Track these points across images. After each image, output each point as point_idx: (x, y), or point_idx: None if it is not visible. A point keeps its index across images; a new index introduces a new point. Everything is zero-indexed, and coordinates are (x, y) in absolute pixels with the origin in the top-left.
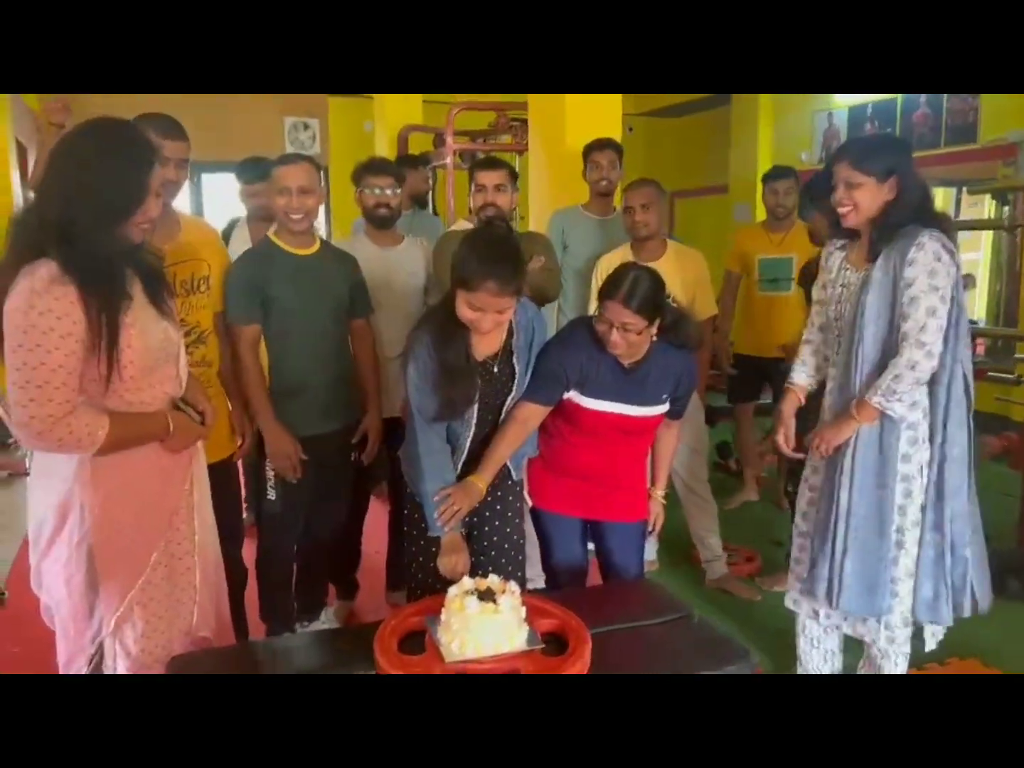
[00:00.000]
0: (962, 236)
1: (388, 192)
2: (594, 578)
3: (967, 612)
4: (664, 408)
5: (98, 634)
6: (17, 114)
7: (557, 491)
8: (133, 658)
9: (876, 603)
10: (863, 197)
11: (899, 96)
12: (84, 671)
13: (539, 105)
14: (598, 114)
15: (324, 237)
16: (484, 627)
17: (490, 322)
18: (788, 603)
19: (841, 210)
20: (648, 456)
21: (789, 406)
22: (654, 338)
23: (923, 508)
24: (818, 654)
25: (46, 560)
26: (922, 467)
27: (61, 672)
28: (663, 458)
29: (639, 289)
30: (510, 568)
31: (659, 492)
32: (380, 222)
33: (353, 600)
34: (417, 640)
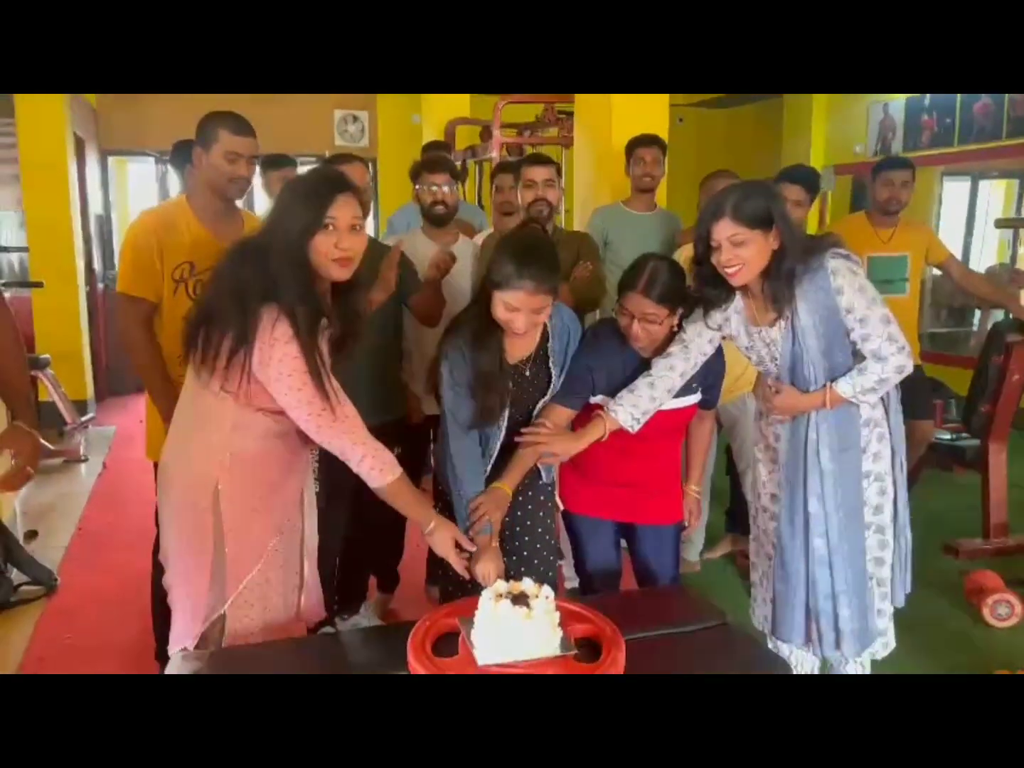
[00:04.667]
0: None
1: (446, 189)
2: (627, 580)
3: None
4: (696, 398)
5: (212, 612)
6: (75, 108)
7: (589, 495)
8: (238, 636)
9: (872, 634)
10: (752, 252)
11: None
12: (192, 646)
13: (585, 101)
14: (645, 111)
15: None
16: (517, 631)
17: (525, 322)
18: (755, 623)
19: (729, 270)
20: (681, 454)
21: (586, 438)
22: (675, 328)
23: (895, 502)
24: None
25: (175, 534)
26: (891, 461)
27: (171, 646)
28: (697, 452)
29: (659, 279)
30: (542, 569)
31: (694, 488)
32: (437, 219)
33: (392, 593)
34: (451, 641)
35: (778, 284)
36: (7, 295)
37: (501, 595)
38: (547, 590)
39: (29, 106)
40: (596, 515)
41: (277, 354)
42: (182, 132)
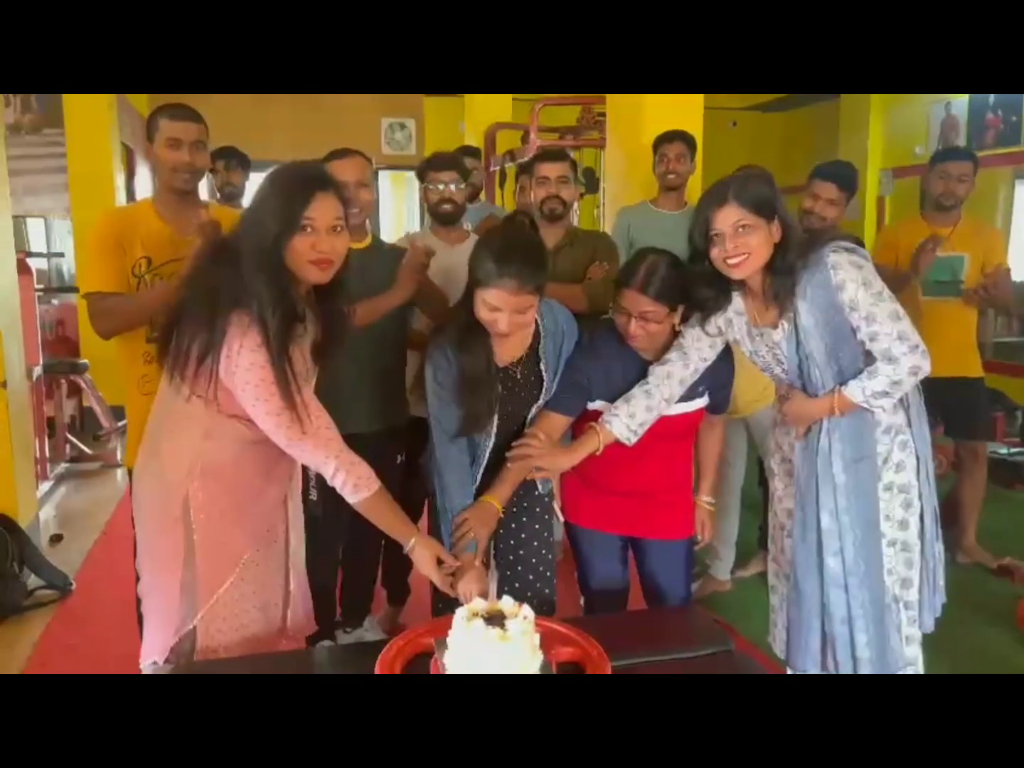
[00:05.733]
0: None
1: (452, 187)
2: (636, 600)
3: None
4: (703, 402)
5: (183, 626)
6: (124, 117)
7: (592, 505)
8: (209, 651)
9: (894, 662)
10: (757, 241)
11: None
12: (162, 660)
13: (616, 101)
14: (678, 110)
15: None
16: (490, 654)
17: (508, 323)
18: (776, 650)
19: (732, 260)
20: (692, 463)
21: (579, 452)
22: (678, 327)
23: (922, 516)
24: None
25: (146, 543)
26: (917, 471)
27: (142, 659)
28: (708, 460)
29: (657, 274)
30: (538, 585)
31: (705, 500)
32: (445, 218)
33: (402, 606)
34: (426, 662)
35: (779, 279)
36: (55, 302)
37: (476, 614)
38: (526, 610)
39: (77, 115)
40: (600, 528)
41: (244, 362)
42: (230, 142)
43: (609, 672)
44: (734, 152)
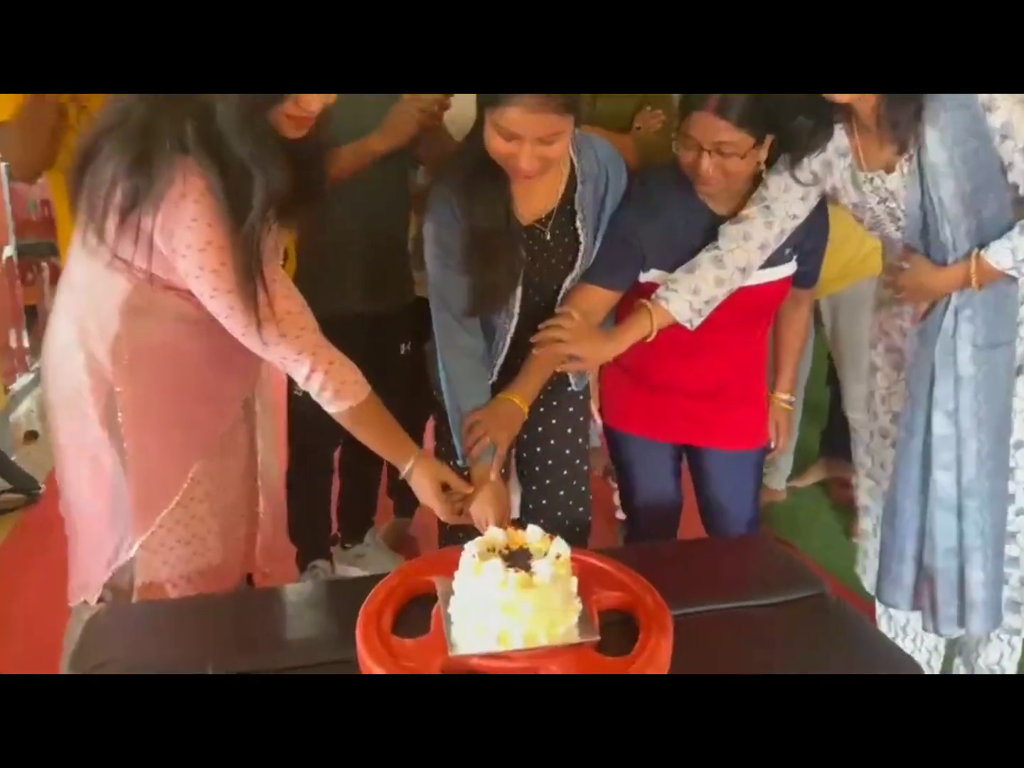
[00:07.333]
0: None
1: None
2: (690, 523)
3: None
4: (789, 269)
5: (115, 559)
6: None
7: (639, 407)
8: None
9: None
10: None
11: None
12: (94, 599)
13: None
14: None
15: None
16: (512, 607)
17: (531, 157)
18: (865, 584)
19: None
20: (767, 353)
21: (625, 338)
22: (763, 168)
23: None
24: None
25: (61, 454)
26: None
27: (70, 597)
28: (789, 349)
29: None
30: (570, 503)
31: (783, 397)
32: None
33: (411, 516)
34: (426, 609)
35: (900, 102)
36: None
37: (492, 549)
38: (559, 544)
39: None
40: (649, 435)
41: (186, 216)
42: None
43: (670, 627)
44: None
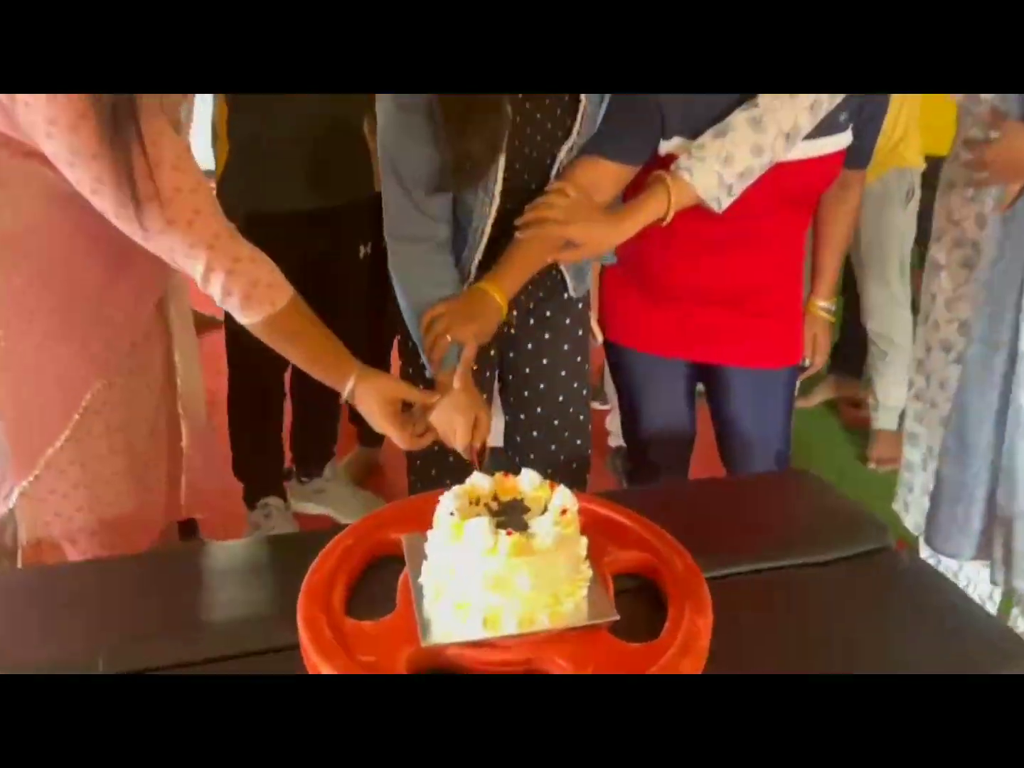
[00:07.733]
0: None
1: None
2: (699, 465)
3: None
4: (843, 140)
5: None
6: None
7: (648, 318)
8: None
9: None
10: None
11: None
12: None
13: None
14: None
15: None
16: (503, 580)
17: None
18: (907, 523)
19: None
20: (805, 250)
21: (635, 219)
22: None
23: None
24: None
25: None
26: None
27: None
28: (833, 244)
29: None
30: (566, 434)
31: (821, 304)
32: None
33: (379, 446)
34: (392, 574)
35: None
36: None
37: (476, 503)
38: (563, 495)
39: None
40: (660, 352)
41: None
42: None
43: (708, 602)
44: None
